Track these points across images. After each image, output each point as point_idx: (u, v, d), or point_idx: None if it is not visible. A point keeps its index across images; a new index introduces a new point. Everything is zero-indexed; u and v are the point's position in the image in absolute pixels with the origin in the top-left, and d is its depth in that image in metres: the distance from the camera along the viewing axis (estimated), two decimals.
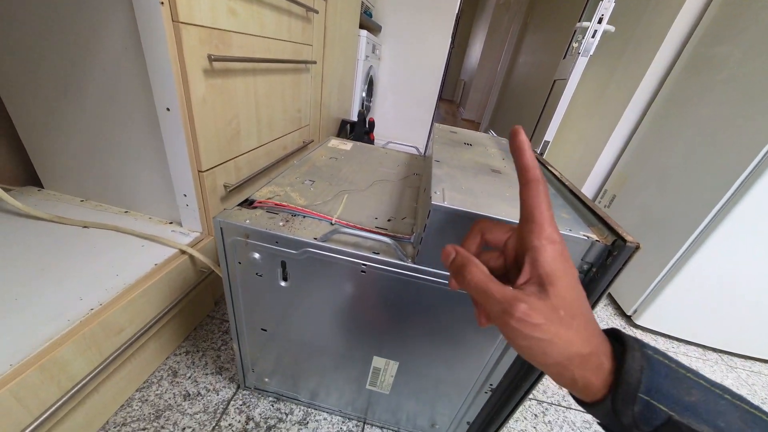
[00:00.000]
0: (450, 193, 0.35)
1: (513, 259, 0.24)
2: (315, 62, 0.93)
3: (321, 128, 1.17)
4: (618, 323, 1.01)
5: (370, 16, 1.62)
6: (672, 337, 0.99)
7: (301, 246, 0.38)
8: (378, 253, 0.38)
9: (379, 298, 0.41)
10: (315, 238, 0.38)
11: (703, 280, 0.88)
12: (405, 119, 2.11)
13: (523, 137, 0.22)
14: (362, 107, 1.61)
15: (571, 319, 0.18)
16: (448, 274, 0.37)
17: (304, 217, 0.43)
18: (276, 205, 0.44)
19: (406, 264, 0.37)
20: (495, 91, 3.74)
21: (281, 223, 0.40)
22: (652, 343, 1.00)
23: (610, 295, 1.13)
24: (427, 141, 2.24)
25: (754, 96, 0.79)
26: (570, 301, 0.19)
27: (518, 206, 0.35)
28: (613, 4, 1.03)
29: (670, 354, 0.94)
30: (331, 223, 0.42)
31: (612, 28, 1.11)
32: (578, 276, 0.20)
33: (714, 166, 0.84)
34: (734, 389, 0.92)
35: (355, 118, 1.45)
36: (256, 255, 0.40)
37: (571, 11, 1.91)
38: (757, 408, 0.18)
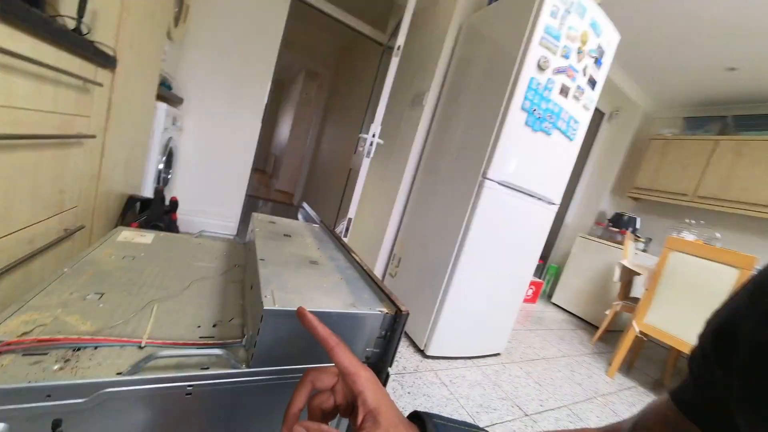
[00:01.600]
0: (279, 294, 0.40)
1: (343, 398, 0.30)
2: (94, 136, 0.77)
3: (96, 209, 0.92)
4: (417, 358, 1.29)
5: (170, 88, 1.52)
6: (450, 357, 1.36)
7: (94, 389, 0.31)
8: (207, 368, 0.36)
9: (207, 419, 0.38)
10: (119, 373, 0.32)
11: (456, 305, 1.31)
12: (215, 192, 1.97)
13: (310, 316, 0.31)
14: (158, 182, 1.39)
15: (395, 429, 0.26)
16: (285, 368, 0.40)
17: (96, 347, 0.34)
18: (40, 342, 0.33)
19: (240, 371, 0.37)
20: (305, 168, 4.14)
21: (55, 367, 0.31)
22: (438, 367, 1.31)
23: (409, 337, 1.43)
24: (241, 216, 2.15)
25: (454, 202, 1.35)
26: (391, 419, 0.27)
27: (335, 296, 0.45)
28: (380, 127, 1.50)
29: (448, 381, 1.25)
30: (140, 347, 0.36)
31: (381, 141, 1.60)
32: (390, 397, 0.29)
33: (450, 228, 1.33)
34: (487, 386, 1.32)
35: (148, 195, 1.23)
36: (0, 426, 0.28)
37: (357, 117, 2.56)
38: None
